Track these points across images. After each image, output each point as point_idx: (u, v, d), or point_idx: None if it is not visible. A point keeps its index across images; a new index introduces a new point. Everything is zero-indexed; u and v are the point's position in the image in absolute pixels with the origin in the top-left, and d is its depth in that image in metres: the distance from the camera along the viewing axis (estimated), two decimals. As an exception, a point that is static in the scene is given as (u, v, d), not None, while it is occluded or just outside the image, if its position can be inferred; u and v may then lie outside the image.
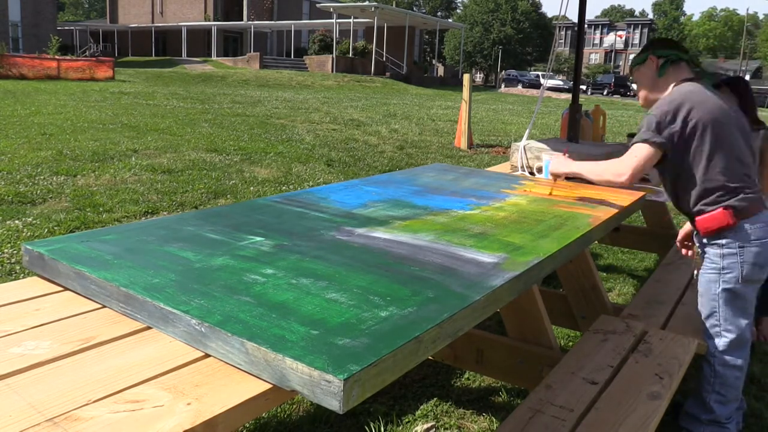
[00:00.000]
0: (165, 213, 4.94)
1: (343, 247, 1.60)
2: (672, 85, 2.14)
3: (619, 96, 40.34)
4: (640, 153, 2.06)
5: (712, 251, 2.07)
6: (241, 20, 39.40)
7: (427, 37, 52.51)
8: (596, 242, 4.52)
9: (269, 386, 1.02)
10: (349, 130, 11.01)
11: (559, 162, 2.39)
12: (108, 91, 16.63)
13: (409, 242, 1.66)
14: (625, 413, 1.63)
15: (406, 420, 2.36)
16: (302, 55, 36.48)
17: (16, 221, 4.40)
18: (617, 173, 2.10)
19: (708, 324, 2.12)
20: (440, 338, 1.18)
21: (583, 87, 41.82)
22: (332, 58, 32.02)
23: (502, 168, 3.34)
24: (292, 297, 1.25)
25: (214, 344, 1.10)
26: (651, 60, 2.19)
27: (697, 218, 2.08)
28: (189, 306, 1.18)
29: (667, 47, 2.20)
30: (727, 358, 2.08)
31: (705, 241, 2.10)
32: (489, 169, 3.24)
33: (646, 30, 76.22)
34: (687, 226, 2.39)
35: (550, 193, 2.42)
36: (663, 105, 2.04)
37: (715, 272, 2.07)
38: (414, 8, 65.65)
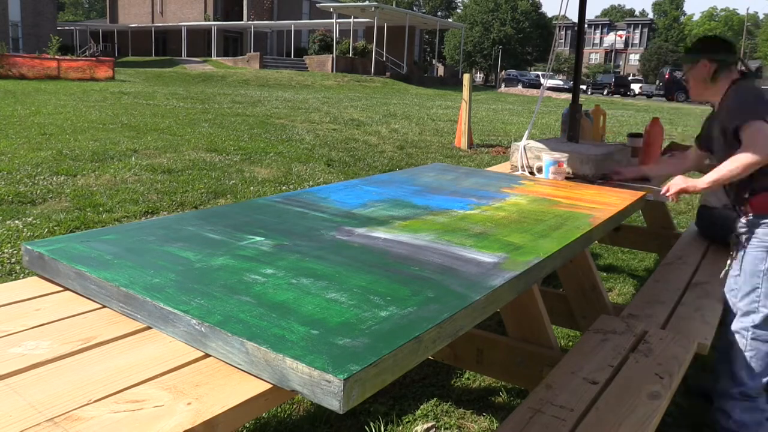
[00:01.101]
0: (165, 213, 4.94)
1: (343, 247, 1.60)
2: (726, 86, 2.26)
3: (619, 96, 40.33)
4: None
5: (761, 231, 2.21)
6: (241, 20, 39.39)
7: (427, 37, 52.50)
8: (596, 242, 4.51)
9: (269, 386, 1.02)
10: (349, 130, 11.01)
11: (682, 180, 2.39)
12: (108, 91, 16.63)
13: (409, 242, 1.66)
14: (625, 413, 1.63)
15: (406, 420, 2.36)
16: (302, 55, 36.48)
17: (16, 221, 4.40)
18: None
19: (746, 301, 2.24)
20: (440, 338, 1.18)
21: (583, 87, 41.80)
22: (332, 58, 32.01)
23: (502, 168, 3.34)
24: (292, 297, 1.25)
25: (214, 344, 1.10)
26: (704, 65, 2.29)
27: (753, 198, 2.22)
28: (189, 306, 1.18)
29: (720, 50, 2.28)
30: (760, 332, 2.21)
31: (755, 220, 2.23)
32: (489, 169, 3.24)
33: (646, 30, 76.18)
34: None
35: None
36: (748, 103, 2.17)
37: (763, 251, 2.20)
38: (414, 8, 65.64)
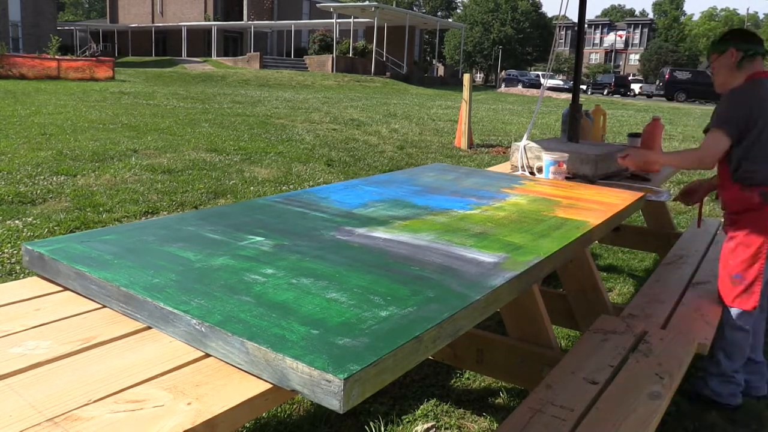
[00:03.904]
0: (165, 213, 4.94)
1: (343, 246, 1.60)
2: (743, 78, 2.35)
3: (619, 96, 40.31)
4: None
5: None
6: (241, 20, 39.39)
7: (427, 36, 52.49)
8: (596, 242, 4.51)
9: (269, 386, 1.02)
10: (349, 130, 11.01)
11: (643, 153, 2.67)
12: (108, 91, 16.62)
13: (409, 242, 1.66)
14: (625, 413, 1.63)
15: (406, 420, 2.36)
16: (302, 55, 36.47)
17: (16, 221, 4.40)
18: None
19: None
20: (440, 338, 1.18)
21: (584, 87, 41.79)
22: (332, 58, 32.01)
23: (502, 168, 3.34)
24: (292, 297, 1.25)
25: (215, 344, 1.10)
26: (731, 53, 2.37)
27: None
28: (189, 306, 1.18)
29: (748, 41, 2.37)
30: (738, 323, 2.40)
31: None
32: (489, 169, 3.24)
33: (646, 30, 76.21)
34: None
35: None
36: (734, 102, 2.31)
37: None
38: (414, 8, 65.64)
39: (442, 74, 39.25)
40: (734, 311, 2.40)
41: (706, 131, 2.45)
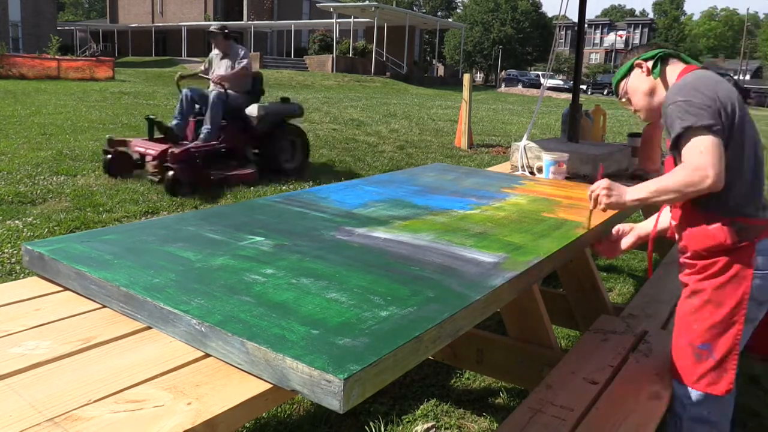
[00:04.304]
0: (165, 213, 4.94)
1: (343, 246, 1.60)
2: (674, 80, 1.72)
3: (619, 96, 40.24)
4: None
5: None
6: (241, 20, 39.39)
7: (427, 36, 52.48)
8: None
9: (269, 386, 1.02)
10: (349, 130, 11.00)
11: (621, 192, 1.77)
12: (108, 91, 16.61)
13: (409, 242, 1.66)
14: (625, 413, 1.63)
15: (406, 420, 2.36)
16: (302, 55, 36.47)
17: (16, 221, 4.40)
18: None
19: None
20: (440, 338, 1.18)
21: (584, 87, 41.77)
22: (332, 58, 32.00)
23: (502, 168, 3.34)
24: (292, 297, 1.25)
25: (215, 344, 1.10)
26: (637, 66, 1.81)
27: None
28: (189, 306, 1.18)
29: (648, 49, 1.82)
30: (701, 412, 1.72)
31: None
32: (489, 169, 3.24)
33: (646, 30, 76.20)
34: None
35: (589, 226, 1.95)
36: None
37: None
38: (414, 8, 65.65)
39: (442, 74, 39.24)
40: (696, 395, 1.68)
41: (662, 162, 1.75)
